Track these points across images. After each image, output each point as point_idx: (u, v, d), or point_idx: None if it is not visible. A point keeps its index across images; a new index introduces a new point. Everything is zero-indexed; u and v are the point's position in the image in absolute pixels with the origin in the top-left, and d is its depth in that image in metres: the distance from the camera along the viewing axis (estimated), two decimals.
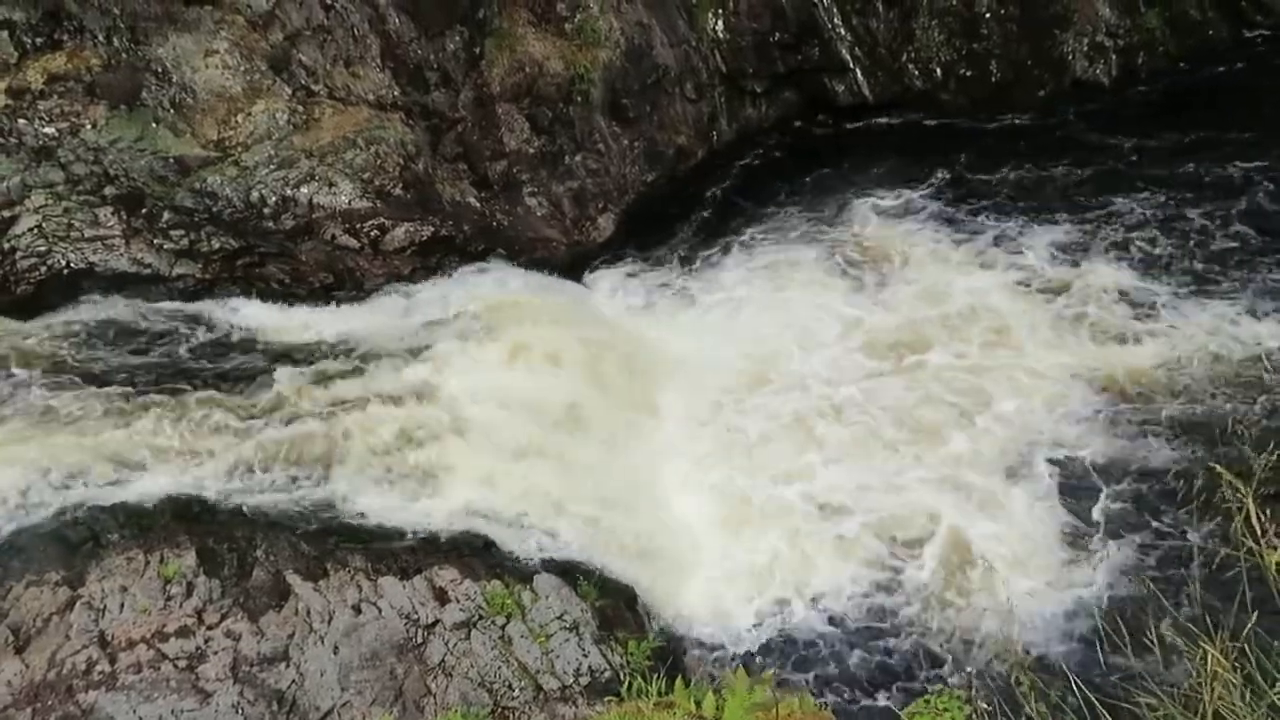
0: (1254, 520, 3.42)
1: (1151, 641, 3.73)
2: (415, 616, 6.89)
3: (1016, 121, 14.52)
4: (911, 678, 7.44)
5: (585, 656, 6.85)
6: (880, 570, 8.25)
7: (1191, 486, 8.12)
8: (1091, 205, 12.51)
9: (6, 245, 9.05)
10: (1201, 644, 3.41)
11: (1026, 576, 7.96)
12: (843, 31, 14.83)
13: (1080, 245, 11.76)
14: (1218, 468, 3.57)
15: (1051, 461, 9.00)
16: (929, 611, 7.88)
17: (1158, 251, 11.51)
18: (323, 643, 6.59)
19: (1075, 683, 3.72)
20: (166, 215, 9.59)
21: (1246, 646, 3.44)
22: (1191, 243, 11.53)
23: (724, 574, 8.37)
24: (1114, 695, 3.78)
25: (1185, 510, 7.95)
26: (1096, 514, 8.36)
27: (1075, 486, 8.72)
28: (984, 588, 7.95)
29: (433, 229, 10.57)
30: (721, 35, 14.35)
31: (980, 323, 10.72)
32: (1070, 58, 14.97)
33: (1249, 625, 3.46)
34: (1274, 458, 4.08)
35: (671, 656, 7.48)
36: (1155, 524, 8.13)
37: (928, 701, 4.50)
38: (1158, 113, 14.36)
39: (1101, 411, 9.43)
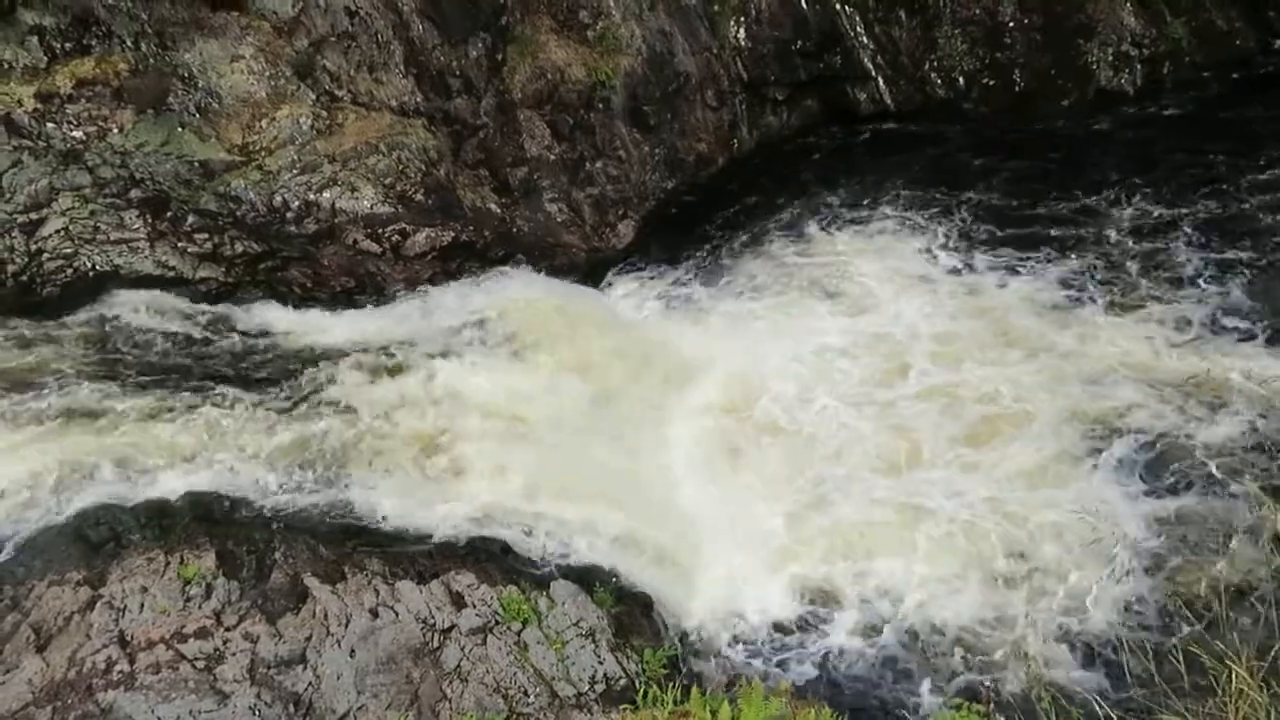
0: None
1: (1176, 659, 3.68)
2: (432, 621, 6.89)
3: (1039, 128, 14.45)
4: (930, 691, 7.35)
5: (601, 664, 6.83)
6: (900, 581, 8.17)
7: (1222, 503, 7.98)
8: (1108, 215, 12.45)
9: (34, 247, 9.15)
10: (1227, 662, 3.36)
11: (1048, 591, 7.86)
12: (865, 40, 14.81)
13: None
14: (1248, 484, 3.53)
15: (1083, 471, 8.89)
16: (949, 624, 7.79)
17: (1186, 262, 11.41)
18: (339, 646, 6.61)
19: (1096, 700, 3.67)
20: (191, 219, 9.68)
21: (1275, 665, 3.39)
22: (1222, 260, 11.40)
23: (743, 582, 8.33)
24: (1136, 712, 3.74)
25: (1213, 527, 7.81)
26: (1122, 528, 8.23)
27: (1102, 500, 8.58)
28: (1005, 601, 7.86)
29: (453, 234, 10.62)
30: (743, 43, 14.37)
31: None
32: (1095, 67, 14.88)
33: (1277, 645, 3.41)
34: None
35: (687, 665, 7.45)
36: (1181, 539, 7.99)
37: (948, 717, 4.45)
38: (1183, 123, 14.24)
39: (1131, 421, 9.31)
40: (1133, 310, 10.79)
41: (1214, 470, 8.42)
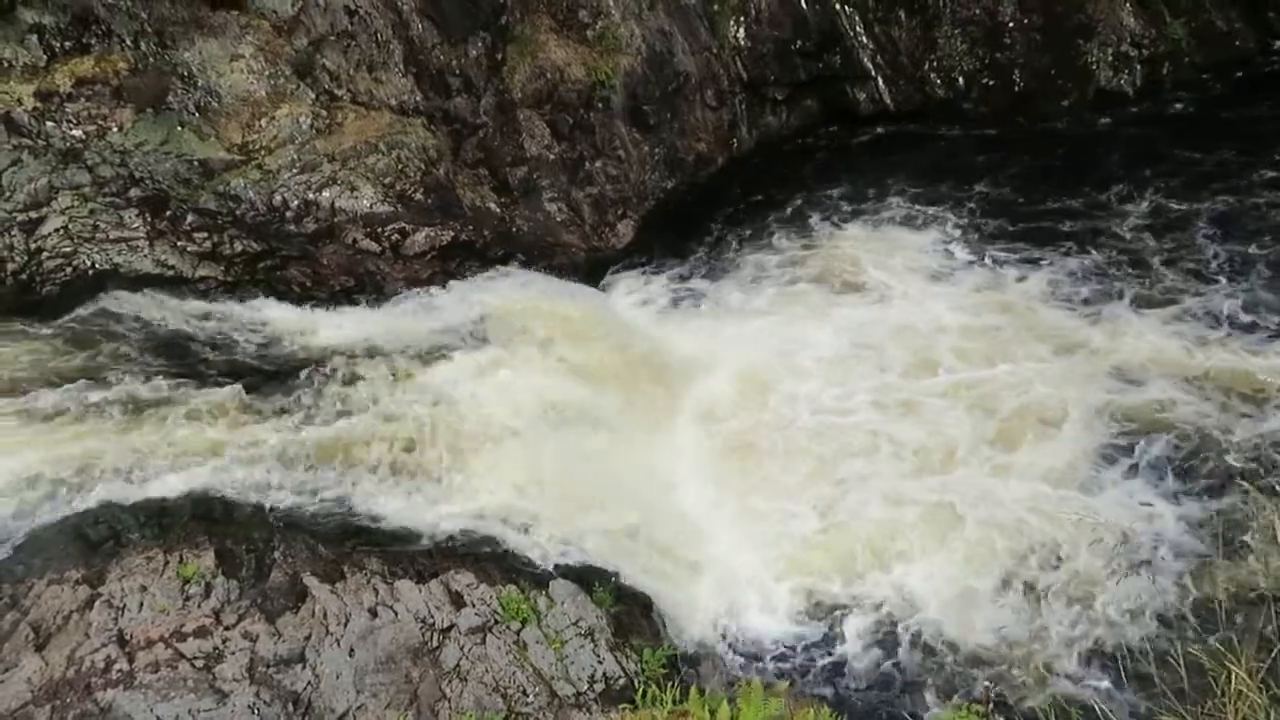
0: None
1: (1176, 660, 3.67)
2: (431, 620, 6.90)
3: (1040, 127, 14.45)
4: (930, 692, 7.34)
5: (600, 663, 6.83)
6: (899, 582, 8.16)
7: (1220, 503, 7.94)
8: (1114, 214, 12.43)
9: (33, 246, 9.14)
10: (1227, 663, 3.36)
11: (1050, 594, 7.82)
12: (864, 40, 14.82)
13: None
14: (1246, 484, 3.53)
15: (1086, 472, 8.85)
16: (949, 625, 7.78)
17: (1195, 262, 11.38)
18: (339, 645, 6.61)
19: (1096, 700, 3.67)
20: (190, 218, 9.67)
21: (1275, 666, 3.38)
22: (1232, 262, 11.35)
23: (742, 582, 8.32)
24: (1135, 714, 3.74)
25: (1211, 527, 7.78)
26: (1121, 529, 8.20)
27: (1106, 500, 8.53)
28: (1005, 603, 7.84)
29: (453, 234, 10.62)
30: (743, 42, 14.37)
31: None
32: (1095, 68, 14.88)
33: (1277, 645, 3.41)
34: None
35: (686, 665, 7.45)
36: (1180, 540, 7.96)
37: (947, 716, 4.45)
38: (1185, 122, 14.24)
39: (1166, 418, 9.20)
40: (1159, 306, 10.72)
41: (1246, 469, 8.27)
